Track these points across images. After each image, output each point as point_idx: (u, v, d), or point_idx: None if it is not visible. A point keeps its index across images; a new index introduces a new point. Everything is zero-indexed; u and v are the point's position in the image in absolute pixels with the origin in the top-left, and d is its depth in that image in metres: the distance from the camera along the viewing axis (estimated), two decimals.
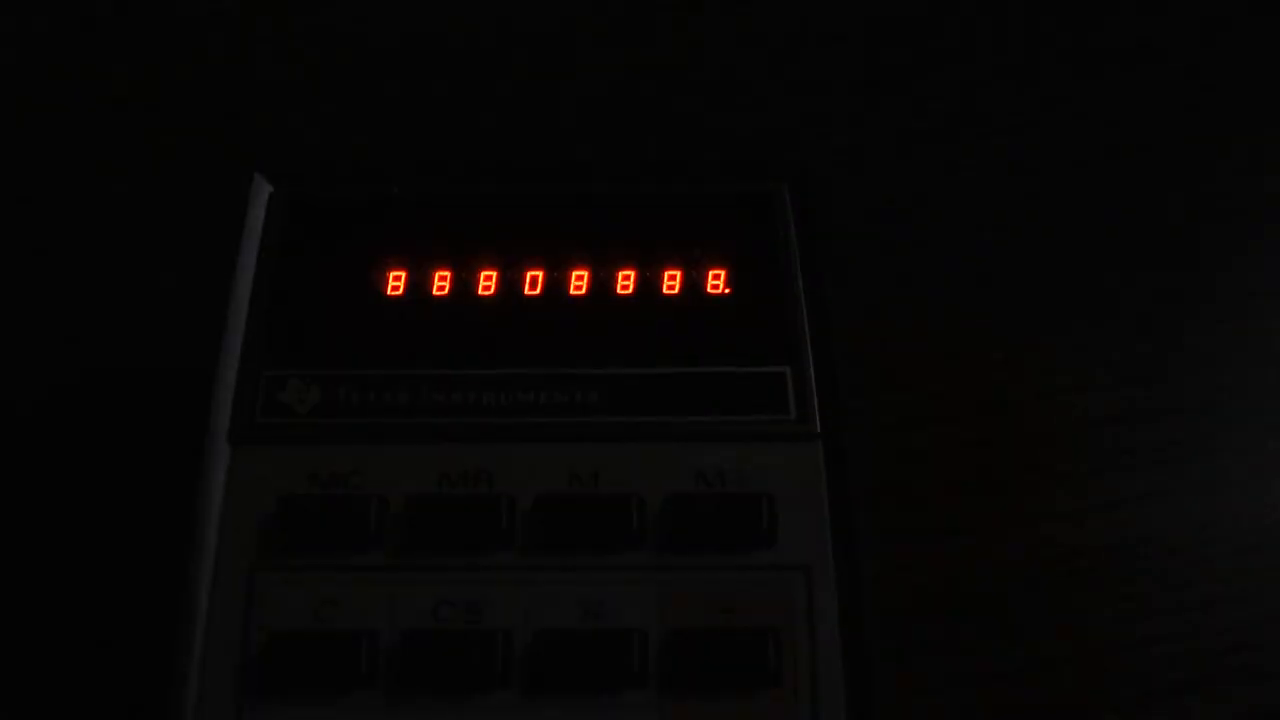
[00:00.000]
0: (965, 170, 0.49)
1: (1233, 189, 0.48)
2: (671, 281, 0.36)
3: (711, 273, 0.36)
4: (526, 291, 0.36)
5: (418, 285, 0.36)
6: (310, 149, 0.48)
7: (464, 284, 0.36)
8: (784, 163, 0.38)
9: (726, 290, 0.36)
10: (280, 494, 0.33)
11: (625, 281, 0.36)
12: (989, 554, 0.40)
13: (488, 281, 0.36)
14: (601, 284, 0.36)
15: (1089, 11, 0.54)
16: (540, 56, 0.53)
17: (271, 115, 0.51)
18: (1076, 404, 0.43)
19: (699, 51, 0.53)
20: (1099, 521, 0.40)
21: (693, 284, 0.36)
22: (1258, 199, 0.48)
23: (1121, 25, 0.53)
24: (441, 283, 0.36)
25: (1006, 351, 0.44)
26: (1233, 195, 0.48)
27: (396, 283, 0.36)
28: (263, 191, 0.37)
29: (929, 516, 0.40)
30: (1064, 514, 0.40)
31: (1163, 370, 0.43)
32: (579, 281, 0.36)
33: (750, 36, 0.53)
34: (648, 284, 0.36)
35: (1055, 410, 0.43)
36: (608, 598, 0.32)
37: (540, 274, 0.36)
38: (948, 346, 0.44)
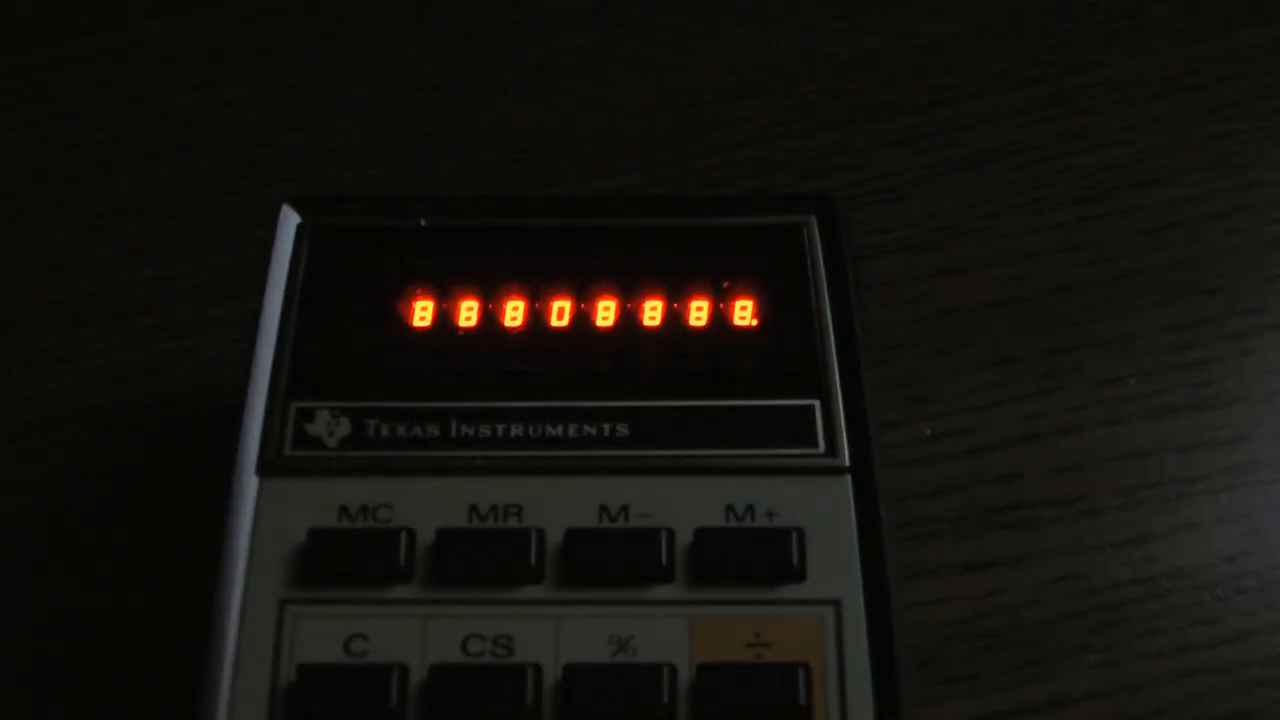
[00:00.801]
0: (990, 202, 0.49)
1: (1259, 221, 0.48)
2: (699, 313, 0.36)
3: (739, 305, 0.36)
4: (553, 323, 0.36)
5: (445, 316, 0.36)
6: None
7: (491, 315, 0.36)
8: (811, 195, 0.38)
9: (754, 323, 0.36)
10: (310, 527, 0.33)
11: (653, 313, 0.36)
12: (1020, 589, 0.39)
13: (515, 313, 0.36)
14: (629, 316, 0.36)
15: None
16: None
17: None
18: (1106, 438, 0.42)
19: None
20: (1130, 555, 0.40)
21: (720, 316, 0.36)
22: None
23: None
24: (469, 314, 0.36)
25: (1035, 385, 0.44)
26: (1260, 228, 0.47)
27: (424, 314, 0.36)
28: (290, 222, 0.37)
29: (959, 550, 0.40)
30: (1094, 548, 0.40)
31: (1192, 404, 0.43)
32: (606, 313, 0.36)
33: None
34: (675, 316, 0.36)
35: (1085, 444, 0.42)
36: (638, 632, 0.32)
37: (568, 305, 0.36)
38: (978, 379, 0.44)
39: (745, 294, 0.36)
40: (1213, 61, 0.52)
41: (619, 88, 0.53)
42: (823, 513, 0.33)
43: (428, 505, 0.33)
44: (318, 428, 0.34)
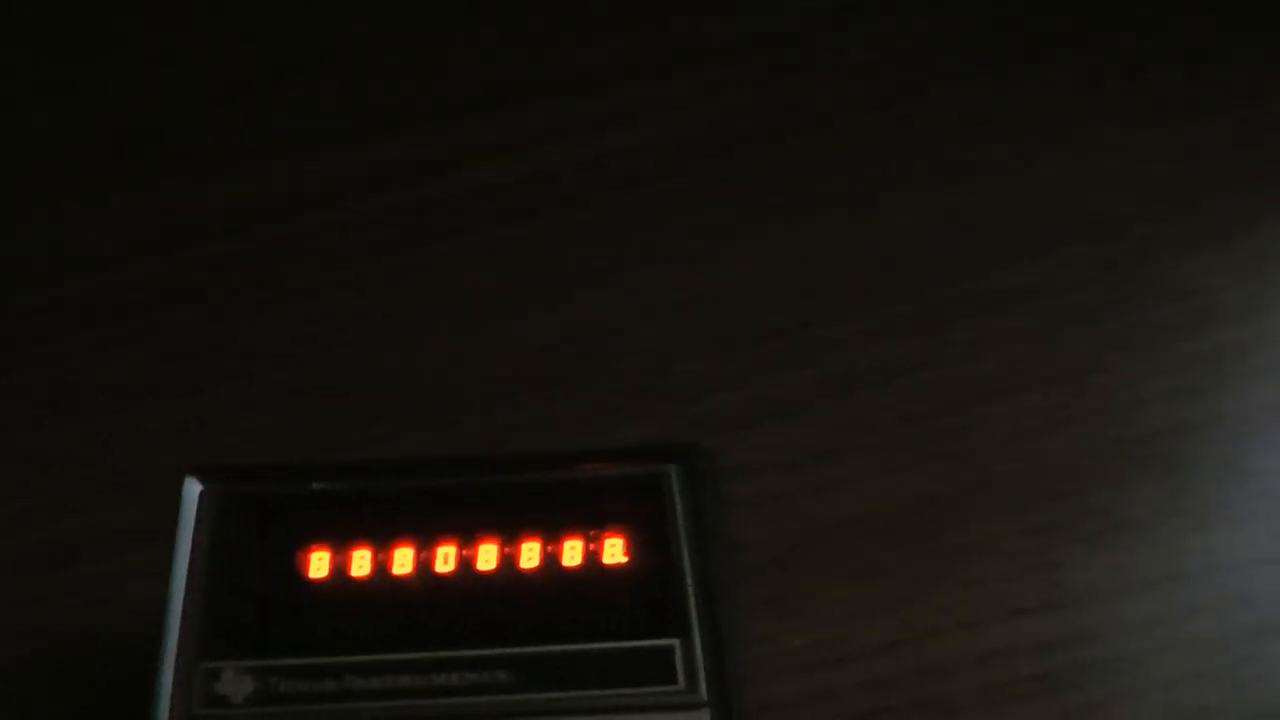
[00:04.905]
0: (860, 419, 0.53)
1: (1103, 425, 0.52)
2: (572, 559, 0.40)
3: (608, 551, 0.40)
4: (438, 568, 0.40)
5: (339, 572, 0.40)
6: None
7: (382, 568, 0.40)
8: (673, 445, 0.42)
9: (623, 564, 0.40)
10: None
11: (529, 561, 0.40)
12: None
13: (403, 567, 0.40)
14: (508, 562, 0.40)
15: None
16: None
17: None
18: (966, 640, 0.46)
19: None
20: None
21: (593, 562, 0.40)
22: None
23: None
24: (361, 568, 0.40)
25: (901, 592, 0.47)
26: (1103, 431, 0.52)
27: (319, 571, 0.40)
28: (194, 491, 0.41)
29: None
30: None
31: (1044, 604, 0.47)
32: (487, 560, 0.40)
33: None
34: (551, 559, 0.40)
35: (947, 647, 0.46)
36: None
37: (452, 550, 0.40)
38: (847, 590, 0.47)
39: (614, 545, 0.40)
40: (1053, 277, 0.57)
41: (519, 324, 0.57)
42: None
43: None
44: (224, 686, 0.38)
